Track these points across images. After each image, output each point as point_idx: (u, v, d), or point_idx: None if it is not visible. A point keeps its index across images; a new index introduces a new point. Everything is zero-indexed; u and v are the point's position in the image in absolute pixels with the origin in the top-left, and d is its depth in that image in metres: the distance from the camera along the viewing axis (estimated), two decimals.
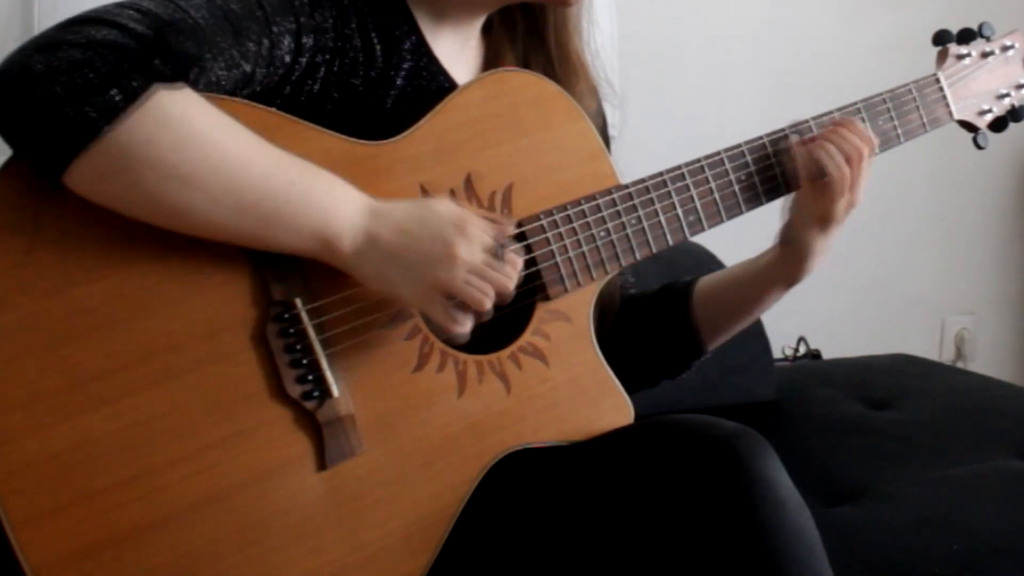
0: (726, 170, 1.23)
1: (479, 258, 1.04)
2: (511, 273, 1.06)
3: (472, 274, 1.04)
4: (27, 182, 0.96)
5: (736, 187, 1.23)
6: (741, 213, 1.25)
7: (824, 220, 1.24)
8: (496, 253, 1.05)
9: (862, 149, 1.23)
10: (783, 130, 1.26)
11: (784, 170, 1.26)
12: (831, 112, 1.28)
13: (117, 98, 0.92)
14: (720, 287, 1.34)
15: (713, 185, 1.23)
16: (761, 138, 1.25)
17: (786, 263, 1.28)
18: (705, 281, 1.35)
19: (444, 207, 1.06)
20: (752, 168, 1.24)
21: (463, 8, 1.21)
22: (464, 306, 1.05)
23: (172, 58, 0.95)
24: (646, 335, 1.34)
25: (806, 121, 1.27)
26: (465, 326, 1.06)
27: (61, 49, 0.92)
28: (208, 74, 1.00)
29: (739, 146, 1.24)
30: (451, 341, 1.10)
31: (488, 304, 1.05)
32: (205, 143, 0.97)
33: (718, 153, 1.23)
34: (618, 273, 1.23)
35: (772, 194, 1.26)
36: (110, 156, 0.93)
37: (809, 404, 1.93)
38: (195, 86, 0.98)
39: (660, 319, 1.34)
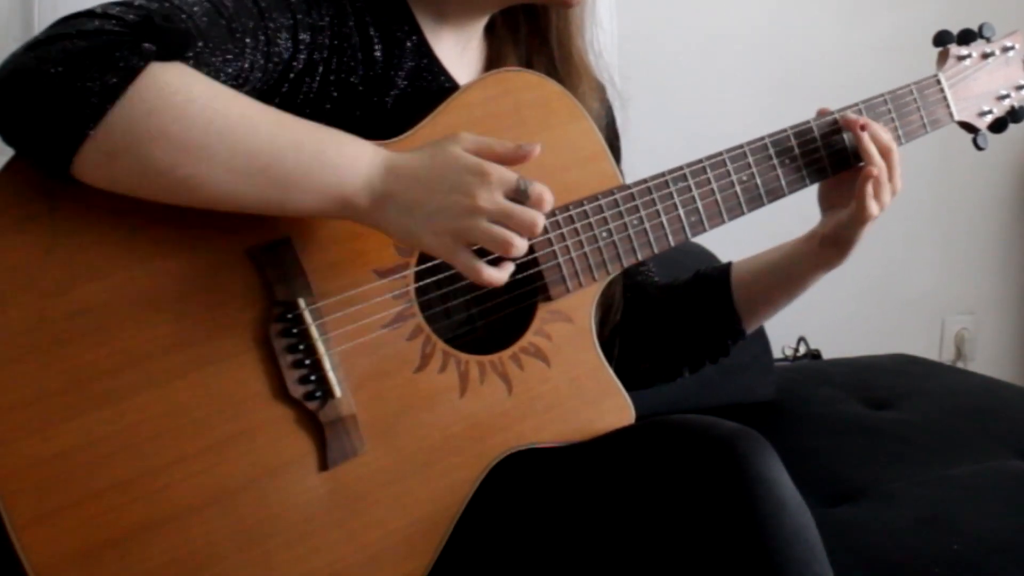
0: (728, 171, 1.23)
1: (501, 202, 1.00)
2: (539, 209, 1.02)
3: (496, 220, 1.01)
4: (31, 180, 0.97)
5: (738, 188, 1.24)
6: (743, 214, 1.25)
7: (872, 214, 1.25)
8: (520, 189, 1.01)
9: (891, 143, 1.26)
10: (784, 130, 1.26)
11: (786, 171, 1.26)
12: (848, 107, 1.28)
13: (114, 80, 0.92)
14: (758, 273, 1.35)
15: (715, 186, 1.23)
16: (763, 138, 1.25)
17: (832, 254, 1.29)
18: (742, 267, 1.36)
19: (459, 150, 1.02)
20: (754, 169, 1.24)
21: (465, 8, 1.21)
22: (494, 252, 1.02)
23: (164, 40, 0.95)
24: (688, 320, 1.35)
25: (807, 123, 1.27)
26: (497, 275, 1.03)
27: (52, 43, 0.92)
28: (205, 67, 0.99)
29: (741, 147, 1.24)
30: (488, 288, 1.08)
31: (517, 247, 1.01)
32: (206, 109, 0.96)
33: (720, 153, 1.23)
34: (620, 274, 1.23)
35: (773, 195, 1.26)
36: (115, 135, 0.93)
37: (809, 404, 1.93)
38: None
39: (701, 304, 1.35)
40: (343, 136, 1.02)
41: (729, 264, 1.37)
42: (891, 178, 1.25)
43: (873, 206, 1.25)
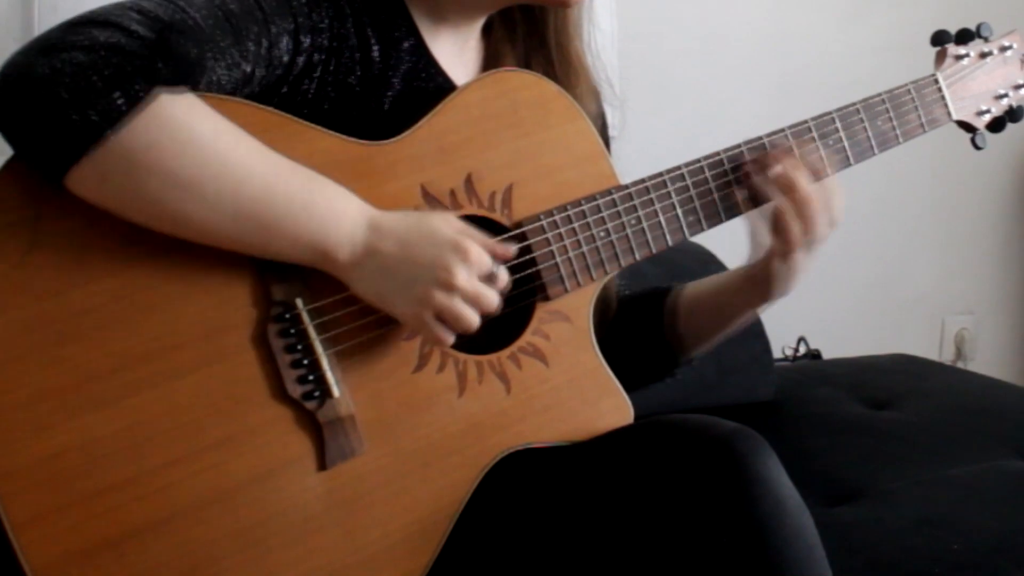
0: (725, 171, 1.23)
1: (476, 285, 1.05)
2: (499, 292, 1.07)
3: (467, 299, 1.04)
4: (28, 182, 0.97)
5: (735, 188, 1.24)
6: (740, 214, 1.25)
7: (810, 244, 1.21)
8: (491, 277, 1.06)
9: (820, 169, 1.21)
10: (782, 130, 1.26)
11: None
12: (807, 121, 1.27)
13: (120, 102, 0.92)
14: (697, 303, 1.33)
15: (712, 186, 1.23)
16: (760, 139, 1.25)
17: (770, 284, 1.25)
18: (685, 293, 1.34)
19: (446, 224, 1.06)
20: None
21: (462, 9, 1.21)
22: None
23: (174, 61, 0.96)
24: (624, 342, 1.33)
25: (804, 122, 1.27)
26: (451, 340, 1.07)
27: (65, 52, 0.92)
28: (209, 74, 1.00)
29: (738, 147, 1.24)
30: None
31: (476, 326, 1.06)
32: (206, 149, 0.97)
33: (717, 154, 1.23)
34: (617, 274, 1.23)
35: None
36: (112, 160, 0.94)
37: (809, 404, 1.93)
38: (196, 87, 0.99)
39: (637, 328, 1.34)
40: (336, 190, 1.04)
41: (670, 289, 1.35)
42: (800, 215, 1.18)
43: (796, 228, 1.19)
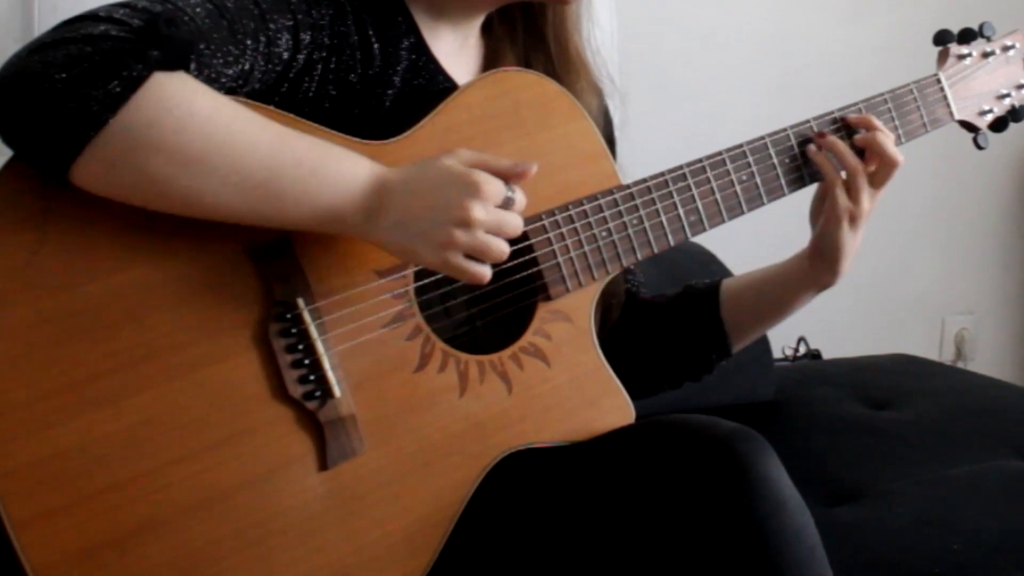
0: (727, 170, 1.23)
1: (495, 214, 1.03)
2: (519, 215, 1.05)
3: (490, 231, 1.03)
4: (31, 181, 0.96)
5: (738, 187, 1.24)
6: (743, 213, 1.25)
7: (853, 218, 1.24)
8: (508, 198, 1.04)
9: (881, 142, 1.24)
10: (784, 129, 1.26)
11: (785, 170, 1.26)
12: (832, 112, 1.28)
13: (117, 88, 0.92)
14: (748, 290, 1.34)
15: (714, 185, 1.23)
16: (763, 138, 1.25)
17: (820, 268, 1.28)
18: (731, 283, 1.35)
19: (453, 163, 1.03)
20: (753, 168, 1.24)
21: (462, 7, 1.21)
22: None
23: (168, 48, 0.95)
24: (672, 336, 1.34)
25: (807, 122, 1.27)
26: (485, 270, 1.05)
27: (57, 47, 0.92)
28: (207, 70, 0.99)
29: (740, 146, 1.24)
30: (487, 287, 1.10)
31: (505, 253, 1.04)
32: (207, 123, 0.96)
33: (720, 153, 1.23)
34: (620, 273, 1.23)
35: (773, 194, 1.26)
36: (114, 144, 0.93)
37: (809, 404, 1.93)
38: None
39: (688, 320, 1.34)
40: (341, 152, 1.03)
41: (719, 280, 1.36)
42: (874, 181, 1.25)
43: (842, 198, 1.23)
